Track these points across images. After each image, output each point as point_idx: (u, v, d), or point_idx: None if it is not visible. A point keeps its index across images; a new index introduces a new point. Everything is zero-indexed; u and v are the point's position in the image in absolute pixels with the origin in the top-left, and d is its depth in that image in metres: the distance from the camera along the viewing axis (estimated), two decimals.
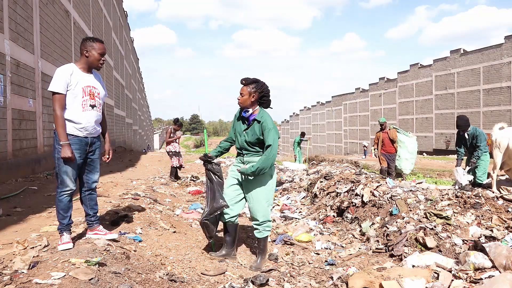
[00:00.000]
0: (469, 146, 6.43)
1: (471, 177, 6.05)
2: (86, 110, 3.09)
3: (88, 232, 3.31)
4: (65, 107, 3.01)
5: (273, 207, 7.18)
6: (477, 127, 6.56)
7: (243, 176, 3.63)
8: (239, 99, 3.60)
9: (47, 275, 2.43)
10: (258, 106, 3.63)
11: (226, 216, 3.70)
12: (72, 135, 3.03)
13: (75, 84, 3.03)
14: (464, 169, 6.22)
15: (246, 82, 3.56)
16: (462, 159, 6.65)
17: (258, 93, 3.56)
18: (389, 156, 9.01)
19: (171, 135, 8.92)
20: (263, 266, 3.70)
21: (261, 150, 3.61)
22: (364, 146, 28.98)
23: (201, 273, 3.44)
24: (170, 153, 8.92)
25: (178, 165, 8.94)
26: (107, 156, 3.43)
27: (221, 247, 3.91)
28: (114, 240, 3.30)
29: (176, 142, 9.00)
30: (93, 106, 3.14)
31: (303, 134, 16.55)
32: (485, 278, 3.06)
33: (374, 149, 9.48)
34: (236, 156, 3.84)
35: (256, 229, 3.71)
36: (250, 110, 3.60)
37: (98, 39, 3.16)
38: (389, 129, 9.02)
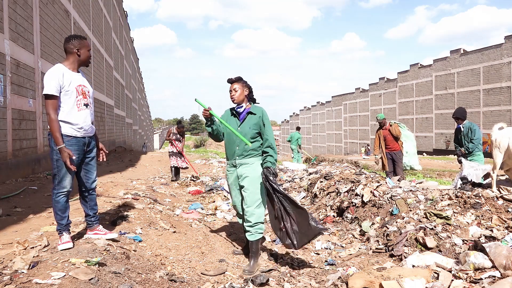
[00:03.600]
0: (464, 141, 6.46)
1: (470, 177, 6.05)
2: (81, 110, 3.08)
3: (88, 232, 3.30)
4: (61, 109, 2.99)
5: None
6: (477, 126, 6.59)
7: (240, 179, 3.68)
8: (233, 96, 3.66)
9: (47, 275, 2.43)
10: (248, 102, 3.76)
11: (241, 221, 3.92)
12: (70, 136, 3.01)
13: (68, 84, 3.00)
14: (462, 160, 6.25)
15: (235, 79, 3.70)
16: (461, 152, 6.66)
17: (247, 88, 3.72)
18: (395, 154, 8.03)
19: (171, 135, 9.12)
20: (256, 269, 3.61)
21: (254, 152, 3.65)
22: (367, 145, 28.95)
23: (201, 273, 3.44)
24: (169, 153, 9.10)
25: (175, 165, 9.00)
26: (102, 154, 3.36)
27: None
28: (114, 240, 3.30)
29: (177, 142, 9.10)
30: (86, 105, 3.13)
31: (298, 129, 16.08)
32: (485, 278, 3.06)
33: (375, 155, 8.39)
34: (227, 160, 3.84)
35: (248, 231, 3.65)
36: (244, 105, 3.70)
37: (83, 37, 3.15)
38: (390, 125, 8.11)
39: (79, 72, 3.18)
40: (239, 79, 3.70)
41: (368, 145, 28.87)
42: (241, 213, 3.85)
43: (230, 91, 3.68)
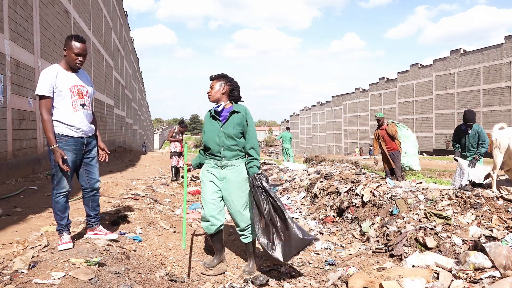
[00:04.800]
0: (467, 143, 6.44)
1: (471, 177, 6.06)
2: (77, 110, 3.03)
3: (88, 232, 3.30)
4: (57, 109, 2.96)
5: None
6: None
7: (223, 181, 3.44)
8: (209, 93, 3.49)
9: (47, 275, 2.43)
10: (229, 101, 3.53)
11: (213, 228, 3.46)
12: (68, 136, 2.99)
13: (61, 85, 2.96)
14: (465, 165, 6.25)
15: (215, 76, 3.53)
16: (459, 151, 6.66)
17: (228, 86, 3.49)
18: (392, 154, 7.85)
19: (173, 134, 9.01)
20: (255, 269, 3.57)
21: (240, 153, 3.47)
22: (370, 146, 28.99)
23: (201, 273, 3.44)
24: (170, 153, 9.03)
25: (177, 165, 8.96)
26: (103, 155, 3.32)
27: (213, 256, 3.72)
28: (114, 240, 3.30)
29: (178, 142, 9.05)
30: (83, 105, 3.08)
31: (288, 129, 16.13)
32: (485, 278, 3.06)
33: (375, 156, 8.24)
34: (209, 159, 3.54)
35: (242, 235, 3.52)
36: (223, 103, 3.48)
37: (78, 38, 3.02)
38: (387, 125, 7.97)
39: (78, 72, 3.12)
40: (219, 77, 3.51)
41: (371, 145, 28.90)
42: (214, 214, 3.45)
43: (209, 88, 3.52)
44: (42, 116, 2.91)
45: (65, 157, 2.88)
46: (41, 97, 2.91)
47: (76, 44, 2.99)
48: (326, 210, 6.37)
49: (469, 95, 31.82)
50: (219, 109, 3.47)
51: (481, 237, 3.85)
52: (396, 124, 8.08)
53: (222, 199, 3.51)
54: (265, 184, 3.31)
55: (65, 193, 3.02)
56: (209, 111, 3.59)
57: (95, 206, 3.26)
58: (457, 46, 46.06)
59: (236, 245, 4.37)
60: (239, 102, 3.60)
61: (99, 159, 3.32)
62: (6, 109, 7.15)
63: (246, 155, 3.52)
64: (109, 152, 3.38)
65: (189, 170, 3.69)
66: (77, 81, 3.08)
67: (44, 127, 2.91)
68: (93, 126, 3.22)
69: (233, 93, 3.53)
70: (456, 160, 6.62)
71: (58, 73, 2.98)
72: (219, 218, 3.46)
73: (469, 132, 6.44)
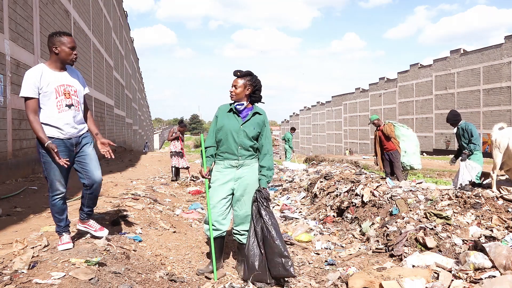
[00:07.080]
0: (461, 142, 6.47)
1: (470, 177, 6.07)
2: (62, 111, 2.93)
3: (79, 223, 3.23)
4: (42, 110, 2.88)
5: (272, 207, 7.19)
6: (474, 125, 6.57)
7: (237, 181, 3.34)
8: (232, 92, 3.35)
9: (47, 275, 2.43)
10: (249, 101, 3.42)
11: (215, 233, 3.35)
12: (53, 137, 2.90)
13: (46, 85, 2.87)
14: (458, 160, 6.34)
15: (240, 74, 3.36)
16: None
17: (252, 87, 3.36)
18: (391, 154, 7.72)
19: (173, 134, 9.01)
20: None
21: (255, 153, 3.40)
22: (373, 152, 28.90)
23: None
24: (171, 152, 9.03)
25: (176, 166, 8.95)
26: (107, 150, 3.16)
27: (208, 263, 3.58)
28: (106, 239, 3.22)
29: (177, 141, 9.04)
30: (70, 106, 2.97)
31: (293, 129, 16.09)
32: (485, 278, 3.06)
33: (374, 156, 8.14)
34: (222, 160, 3.38)
35: (243, 235, 3.41)
36: (245, 103, 3.37)
37: (65, 33, 2.94)
38: (384, 125, 7.86)
39: (65, 71, 3.02)
40: (245, 75, 3.35)
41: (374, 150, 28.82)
42: (219, 219, 3.33)
43: (232, 85, 3.36)
44: (27, 117, 2.84)
45: (55, 150, 2.79)
46: (26, 99, 2.83)
47: (67, 39, 2.91)
48: (326, 210, 6.37)
49: (469, 95, 31.82)
50: (241, 108, 3.37)
51: (481, 237, 3.86)
52: (394, 124, 7.96)
53: (231, 204, 3.41)
54: (262, 206, 3.23)
55: (61, 195, 2.96)
56: (230, 104, 3.42)
57: (90, 204, 3.17)
58: (457, 46, 46.09)
59: (236, 244, 4.38)
60: (259, 104, 3.48)
61: (106, 156, 3.16)
62: (6, 109, 7.15)
63: (258, 159, 3.44)
64: (113, 144, 3.24)
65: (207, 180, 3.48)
66: (65, 80, 2.98)
67: (32, 129, 2.84)
68: (83, 126, 3.11)
69: (256, 93, 3.40)
70: (453, 162, 6.64)
71: (43, 73, 2.89)
72: (223, 223, 3.34)
73: (456, 131, 6.46)
